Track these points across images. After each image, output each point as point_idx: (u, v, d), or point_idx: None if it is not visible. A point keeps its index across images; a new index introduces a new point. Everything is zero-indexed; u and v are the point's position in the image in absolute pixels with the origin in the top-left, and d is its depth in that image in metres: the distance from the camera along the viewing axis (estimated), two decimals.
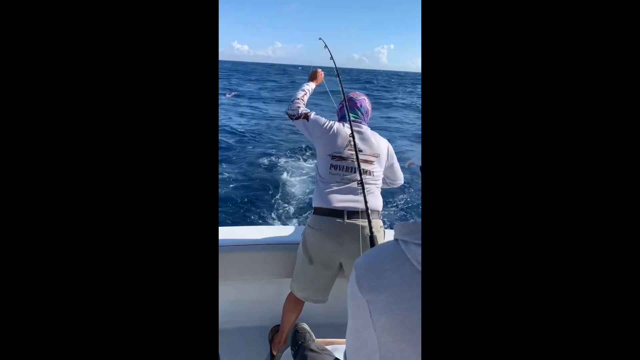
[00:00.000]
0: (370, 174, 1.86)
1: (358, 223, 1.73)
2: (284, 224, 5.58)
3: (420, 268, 0.54)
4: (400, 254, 0.58)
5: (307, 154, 9.48)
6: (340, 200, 1.78)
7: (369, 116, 2.04)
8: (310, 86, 2.18)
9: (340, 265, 1.81)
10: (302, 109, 2.03)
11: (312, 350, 1.10)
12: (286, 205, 6.31)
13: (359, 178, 1.77)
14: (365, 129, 1.94)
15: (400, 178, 2.08)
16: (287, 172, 8.11)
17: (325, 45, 2.25)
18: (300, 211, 6.07)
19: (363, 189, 1.72)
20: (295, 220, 5.79)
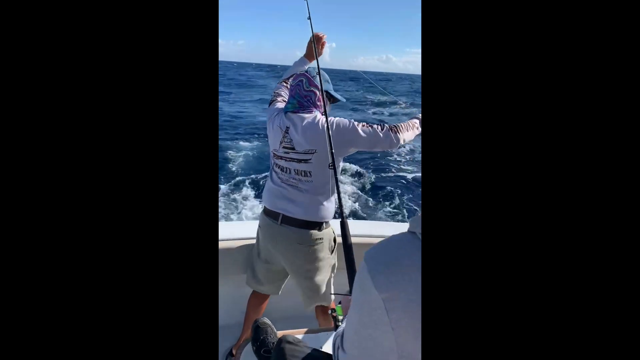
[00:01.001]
0: (306, 175, 1.58)
1: (292, 231, 1.59)
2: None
3: None
4: (419, 249, 0.54)
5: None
6: (275, 204, 1.64)
7: (314, 99, 1.62)
8: (301, 64, 1.83)
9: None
10: (275, 94, 1.79)
11: (289, 342, 1.03)
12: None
13: (294, 180, 1.61)
14: (307, 117, 1.59)
15: (381, 143, 1.57)
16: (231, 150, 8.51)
17: None
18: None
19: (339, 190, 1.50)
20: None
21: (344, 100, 1.80)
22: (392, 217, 5.86)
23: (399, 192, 6.86)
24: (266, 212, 1.69)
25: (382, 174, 7.94)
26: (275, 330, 1.43)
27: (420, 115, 1.70)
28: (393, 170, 8.29)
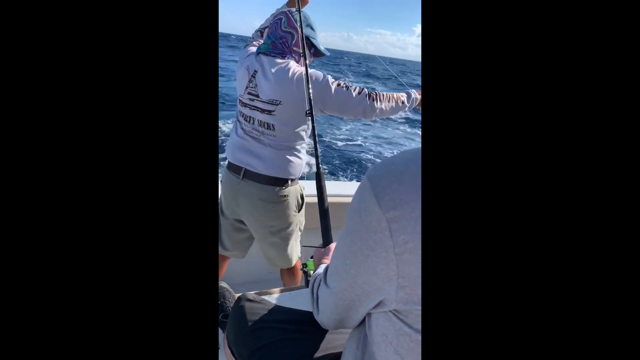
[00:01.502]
0: (269, 128, 1.43)
1: (254, 186, 1.47)
2: None
3: None
4: None
5: None
6: (237, 158, 1.51)
7: (290, 42, 1.44)
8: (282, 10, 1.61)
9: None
10: (250, 41, 1.67)
11: (249, 300, 0.97)
12: None
13: (256, 132, 1.47)
14: (279, 63, 1.41)
15: (353, 109, 1.45)
16: None
17: None
18: None
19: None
20: None
21: (328, 54, 1.60)
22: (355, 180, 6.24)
23: (353, 158, 7.33)
24: (229, 166, 1.57)
25: (333, 139, 8.46)
26: (234, 294, 1.40)
27: (411, 91, 1.58)
28: (342, 137, 8.79)
